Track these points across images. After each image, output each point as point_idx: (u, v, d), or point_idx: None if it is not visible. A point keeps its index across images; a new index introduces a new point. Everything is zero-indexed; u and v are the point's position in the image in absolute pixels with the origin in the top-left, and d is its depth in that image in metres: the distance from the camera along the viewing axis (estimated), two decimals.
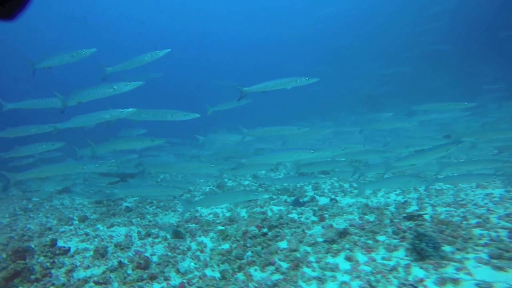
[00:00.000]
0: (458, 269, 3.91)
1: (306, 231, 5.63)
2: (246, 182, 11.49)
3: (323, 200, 7.85)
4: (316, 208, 6.95)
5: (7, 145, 7.49)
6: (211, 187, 11.15)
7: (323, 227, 5.69)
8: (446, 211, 6.10)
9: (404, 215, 6.05)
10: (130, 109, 5.50)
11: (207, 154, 15.67)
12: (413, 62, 26.36)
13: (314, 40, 39.12)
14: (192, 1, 48.03)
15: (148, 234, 6.39)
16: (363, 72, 30.35)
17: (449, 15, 26.58)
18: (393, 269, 3.97)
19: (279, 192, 9.10)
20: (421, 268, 4.01)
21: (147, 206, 9.09)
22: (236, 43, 51.30)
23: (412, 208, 6.57)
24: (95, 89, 5.31)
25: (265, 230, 5.78)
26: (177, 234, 6.10)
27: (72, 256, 5.48)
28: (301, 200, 7.85)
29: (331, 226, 5.51)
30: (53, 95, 5.64)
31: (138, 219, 7.80)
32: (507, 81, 20.93)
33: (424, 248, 4.06)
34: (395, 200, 7.30)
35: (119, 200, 10.10)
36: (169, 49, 5.85)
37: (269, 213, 7.11)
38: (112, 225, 7.31)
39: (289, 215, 6.78)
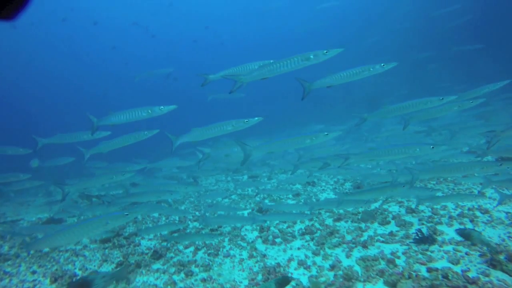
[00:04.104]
0: None
1: None
2: (290, 202, 8.99)
3: (450, 232, 5.44)
4: (478, 252, 4.44)
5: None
6: (250, 210, 8.56)
7: None
8: None
9: None
10: None
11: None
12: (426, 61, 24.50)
13: (315, 35, 37.13)
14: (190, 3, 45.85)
15: None
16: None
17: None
18: None
19: (359, 218, 6.68)
20: None
21: (180, 247, 6.37)
22: (236, 43, 49.04)
23: None
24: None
25: None
26: None
27: None
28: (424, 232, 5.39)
29: None
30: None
31: (183, 275, 5.08)
32: None
33: None
34: None
35: (133, 236, 7.32)
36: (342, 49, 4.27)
37: (398, 262, 4.62)
38: None
39: (434, 266, 4.33)
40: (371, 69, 4.52)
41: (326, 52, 4.13)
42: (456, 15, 24.08)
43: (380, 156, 5.28)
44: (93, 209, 8.40)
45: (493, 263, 4.06)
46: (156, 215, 8.88)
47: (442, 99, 4.94)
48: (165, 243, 6.67)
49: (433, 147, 4.89)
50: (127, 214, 3.83)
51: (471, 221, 5.75)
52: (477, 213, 6.01)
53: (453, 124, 15.51)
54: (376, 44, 29.22)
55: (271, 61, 4.26)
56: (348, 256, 5.06)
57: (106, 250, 6.71)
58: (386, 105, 5.16)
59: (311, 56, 4.15)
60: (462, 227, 5.54)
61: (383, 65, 4.50)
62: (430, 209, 6.61)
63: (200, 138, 4.78)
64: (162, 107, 4.88)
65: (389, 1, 33.39)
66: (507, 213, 5.81)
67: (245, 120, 4.48)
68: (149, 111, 4.90)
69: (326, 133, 4.45)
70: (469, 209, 6.24)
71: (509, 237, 4.93)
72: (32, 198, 13.49)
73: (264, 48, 45.92)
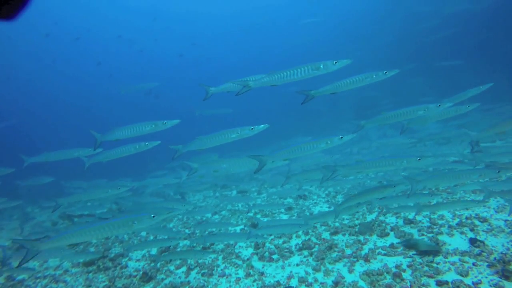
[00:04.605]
0: None
1: None
2: (283, 216, 8.73)
3: (452, 242, 5.31)
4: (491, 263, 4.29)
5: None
6: (242, 226, 8.24)
7: None
8: None
9: None
10: None
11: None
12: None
13: (300, 51, 37.76)
14: (178, 22, 45.99)
15: None
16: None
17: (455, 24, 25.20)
18: None
19: (356, 231, 6.48)
20: None
21: (171, 268, 5.98)
22: (222, 59, 49.38)
23: None
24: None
25: None
26: None
27: None
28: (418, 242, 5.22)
29: None
30: None
31: None
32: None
33: None
34: None
35: (119, 257, 6.86)
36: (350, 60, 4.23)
37: (405, 275, 4.42)
38: None
39: (443, 278, 4.15)
40: (374, 76, 4.53)
41: (336, 62, 4.13)
42: (436, 30, 25.05)
43: (367, 168, 5.17)
44: None
45: (506, 274, 3.92)
46: (143, 233, 8.43)
47: (439, 105, 4.91)
48: (153, 264, 6.26)
49: (419, 159, 4.84)
50: (153, 216, 3.65)
51: (471, 230, 5.64)
52: (476, 222, 5.92)
53: (437, 134, 15.83)
54: (359, 59, 29.85)
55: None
56: (350, 271, 4.83)
57: (90, 274, 6.22)
58: (383, 112, 5.08)
59: (321, 66, 4.15)
60: (463, 236, 5.43)
61: (386, 72, 4.50)
62: (428, 219, 6.49)
63: (205, 147, 4.61)
64: (165, 121, 4.80)
65: (372, 16, 34.56)
66: (505, 220, 5.75)
67: (251, 128, 4.34)
68: (153, 125, 4.85)
69: (340, 136, 4.34)
70: (467, 218, 6.15)
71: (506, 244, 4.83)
72: (6, 222, 12.62)
73: (250, 63, 46.43)
